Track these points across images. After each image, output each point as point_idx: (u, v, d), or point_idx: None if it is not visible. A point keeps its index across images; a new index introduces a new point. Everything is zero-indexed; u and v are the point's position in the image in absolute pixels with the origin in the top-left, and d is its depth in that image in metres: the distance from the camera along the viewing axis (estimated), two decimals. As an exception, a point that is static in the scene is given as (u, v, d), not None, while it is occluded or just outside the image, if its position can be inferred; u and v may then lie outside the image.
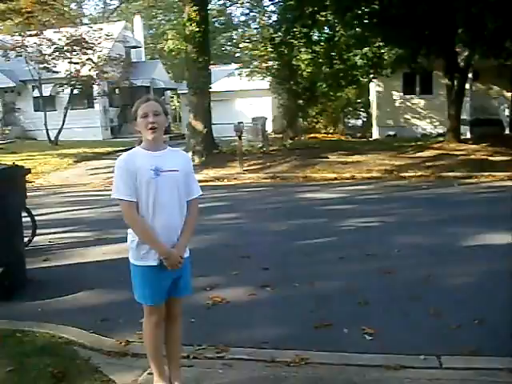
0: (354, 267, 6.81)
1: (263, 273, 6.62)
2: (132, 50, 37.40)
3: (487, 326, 4.84)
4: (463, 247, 7.65)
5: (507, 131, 24.04)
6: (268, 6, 39.92)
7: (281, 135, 28.47)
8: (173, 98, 46.88)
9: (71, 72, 27.05)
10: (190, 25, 18.86)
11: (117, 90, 33.92)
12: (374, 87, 28.77)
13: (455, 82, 19.96)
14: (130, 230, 3.60)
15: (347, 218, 9.94)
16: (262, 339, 4.67)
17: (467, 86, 22.10)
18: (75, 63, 26.92)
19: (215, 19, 47.29)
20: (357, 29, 20.42)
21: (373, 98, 30.27)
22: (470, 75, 22.56)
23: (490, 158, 16.65)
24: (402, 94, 27.56)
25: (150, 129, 3.51)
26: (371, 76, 25.84)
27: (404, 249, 7.58)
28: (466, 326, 4.83)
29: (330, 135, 32.58)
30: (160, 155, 3.55)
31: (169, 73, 44.29)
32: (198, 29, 18.80)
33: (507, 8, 13.63)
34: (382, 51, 22.46)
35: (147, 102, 3.56)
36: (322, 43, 22.88)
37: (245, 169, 16.72)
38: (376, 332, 4.76)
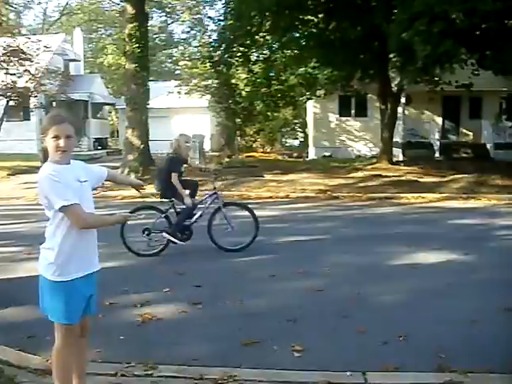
0: (285, 285, 6.91)
1: (195, 290, 6.63)
2: (71, 63, 36.82)
3: (411, 342, 4.99)
4: (391, 266, 7.88)
5: (437, 154, 24.90)
6: (209, 25, 40.26)
7: (218, 153, 28.62)
8: (111, 112, 46.38)
9: (7, 83, 26.40)
10: (130, 41, 18.84)
11: (54, 103, 33.27)
12: (311, 108, 29.29)
13: (389, 106, 20.55)
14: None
15: (280, 236, 10.05)
16: (192, 356, 4.68)
17: (400, 109, 22.84)
18: (12, 74, 26.28)
19: (156, 36, 47.23)
20: (295, 50, 20.81)
21: (309, 119, 30.79)
22: (402, 99, 23.32)
23: (420, 180, 17.20)
24: (337, 115, 28.15)
25: (59, 151, 3.48)
26: (306, 96, 26.31)
27: (335, 267, 7.73)
28: (391, 343, 4.97)
29: (267, 154, 32.93)
30: (69, 168, 3.53)
31: (108, 87, 43.84)
32: (137, 45, 18.79)
33: (436, 36, 14.11)
34: (317, 72, 22.93)
35: (61, 125, 3.44)
36: (260, 63, 23.24)
37: (181, 186, 16.63)
38: (304, 349, 4.84)
